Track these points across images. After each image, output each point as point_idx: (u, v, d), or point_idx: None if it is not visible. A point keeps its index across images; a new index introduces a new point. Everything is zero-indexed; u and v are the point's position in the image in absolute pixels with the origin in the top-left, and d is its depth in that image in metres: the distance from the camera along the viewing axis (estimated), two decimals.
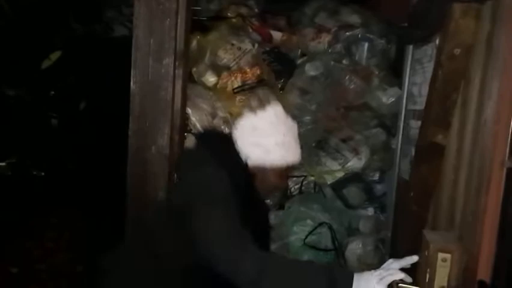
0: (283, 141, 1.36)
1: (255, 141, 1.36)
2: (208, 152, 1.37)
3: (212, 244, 1.19)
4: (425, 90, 1.64)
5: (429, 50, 1.63)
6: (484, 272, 1.02)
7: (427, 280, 1.09)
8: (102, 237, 2.02)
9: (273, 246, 2.31)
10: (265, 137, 1.35)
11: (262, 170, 1.37)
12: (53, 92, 2.88)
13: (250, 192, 1.39)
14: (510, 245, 0.99)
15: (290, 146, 1.38)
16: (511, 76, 1.01)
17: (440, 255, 1.07)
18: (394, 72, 2.53)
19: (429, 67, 1.60)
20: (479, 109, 1.12)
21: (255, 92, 2.41)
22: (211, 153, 1.36)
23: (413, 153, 1.76)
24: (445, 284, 1.07)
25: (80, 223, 2.56)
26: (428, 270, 1.09)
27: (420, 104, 1.72)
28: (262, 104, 1.41)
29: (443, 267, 1.06)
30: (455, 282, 1.07)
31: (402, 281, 1.07)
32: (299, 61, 2.68)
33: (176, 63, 1.86)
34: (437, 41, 1.46)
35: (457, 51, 1.22)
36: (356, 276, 1.12)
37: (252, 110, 1.43)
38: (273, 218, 2.41)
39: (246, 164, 1.37)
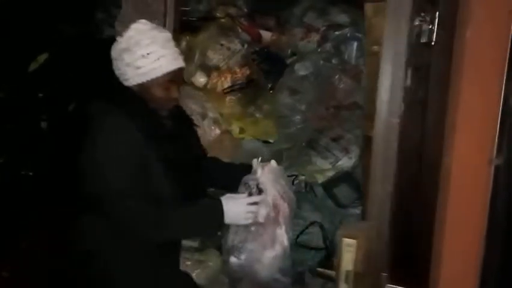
0: (148, 52, 1.42)
1: (125, 62, 1.44)
2: (107, 107, 1.47)
3: (110, 203, 1.41)
4: None
5: None
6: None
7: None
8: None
9: None
10: (131, 54, 1.43)
11: (145, 88, 1.46)
12: (41, 94, 2.86)
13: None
14: (501, 243, 1.00)
15: (159, 54, 1.43)
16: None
17: (345, 240, 1.22)
18: None
19: None
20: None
21: (245, 92, 2.41)
22: (109, 107, 1.46)
23: None
24: (350, 268, 1.19)
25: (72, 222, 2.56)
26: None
27: None
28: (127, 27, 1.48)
29: (348, 252, 1.20)
30: (360, 266, 1.17)
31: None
32: (289, 61, 2.68)
33: None
34: None
35: (375, 48, 1.26)
36: (224, 200, 1.46)
37: (118, 33, 1.51)
38: None
39: (133, 91, 1.47)
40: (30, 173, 2.79)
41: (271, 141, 2.51)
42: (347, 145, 2.50)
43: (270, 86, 2.58)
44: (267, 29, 2.71)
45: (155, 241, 1.49)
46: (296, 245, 2.26)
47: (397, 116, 1.29)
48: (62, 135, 2.74)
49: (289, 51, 2.72)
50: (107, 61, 1.50)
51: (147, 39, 1.44)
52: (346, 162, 2.49)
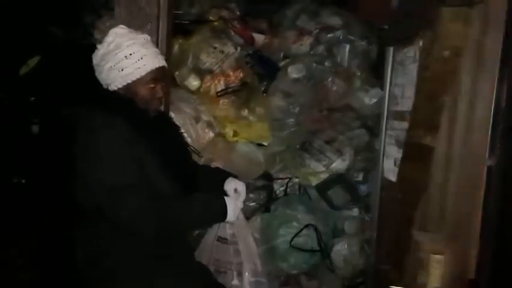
0: (130, 52, 1.46)
1: (108, 66, 1.48)
2: (95, 108, 1.49)
3: (98, 195, 1.41)
4: (408, 91, 1.66)
5: (412, 51, 1.65)
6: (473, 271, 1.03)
7: (419, 282, 1.09)
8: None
9: (261, 249, 2.31)
10: (114, 57, 1.47)
11: (130, 89, 1.49)
12: (33, 98, 2.83)
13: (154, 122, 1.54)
14: (494, 243, 1.00)
15: (141, 54, 1.48)
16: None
17: (433, 257, 1.07)
18: (375, 74, 2.55)
19: (412, 69, 1.61)
20: (469, 111, 1.13)
21: (238, 95, 2.41)
22: (100, 107, 1.48)
23: (397, 154, 1.78)
24: (438, 285, 1.07)
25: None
26: (420, 272, 1.09)
27: (402, 105, 1.74)
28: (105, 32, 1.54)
29: (436, 268, 1.07)
30: (448, 283, 1.08)
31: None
32: (282, 64, 2.68)
33: None
34: (421, 43, 1.49)
35: (446, 53, 1.25)
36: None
37: (98, 41, 1.56)
38: (259, 220, 2.41)
39: (119, 94, 1.50)
40: (23, 181, 2.75)
41: (265, 144, 2.51)
42: (340, 147, 2.51)
43: (263, 89, 2.58)
44: (260, 32, 2.70)
45: (161, 234, 1.48)
46: (291, 248, 2.26)
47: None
48: (54, 139, 2.72)
49: (281, 54, 2.72)
50: None
51: (128, 40, 1.48)
52: (339, 164, 2.50)
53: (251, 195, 2.41)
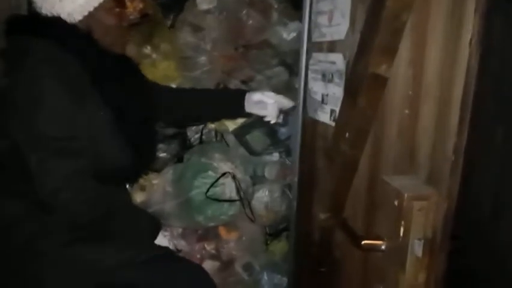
0: None
1: None
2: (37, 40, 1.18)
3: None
4: (338, 17, 1.46)
5: None
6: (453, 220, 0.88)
7: (401, 233, 0.93)
8: None
9: (174, 203, 2.10)
10: None
11: (91, 18, 1.23)
12: None
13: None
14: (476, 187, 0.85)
15: None
16: None
17: (417, 203, 0.91)
18: (294, 5, 2.32)
19: None
20: (450, 28, 0.92)
21: (138, 30, 2.06)
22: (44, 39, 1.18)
23: (324, 89, 1.60)
24: (421, 235, 0.92)
25: None
26: (403, 222, 0.93)
27: (331, 35, 1.54)
28: None
29: (419, 216, 0.90)
30: (431, 232, 0.93)
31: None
32: None
33: None
34: None
35: None
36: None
37: None
38: (172, 172, 2.18)
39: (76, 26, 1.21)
40: None
41: (173, 85, 2.22)
42: (258, 87, 2.30)
43: (169, 23, 2.25)
44: None
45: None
46: (207, 199, 2.07)
47: None
48: None
49: None
50: None
51: None
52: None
53: (161, 145, 2.16)
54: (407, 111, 1.06)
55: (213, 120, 2.12)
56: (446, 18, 0.92)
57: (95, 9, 1.22)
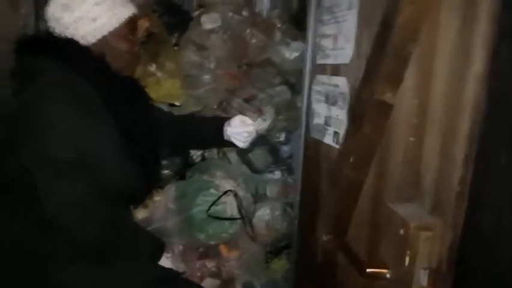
0: None
1: (75, 17, 1.21)
2: (54, 58, 1.20)
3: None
4: (342, 41, 1.48)
5: None
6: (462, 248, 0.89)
7: (407, 263, 0.93)
8: None
9: (176, 220, 2.10)
10: (81, 5, 1.21)
11: (104, 42, 1.24)
12: None
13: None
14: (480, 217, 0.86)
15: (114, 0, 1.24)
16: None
17: (423, 233, 0.91)
18: (297, 25, 2.35)
19: (348, 15, 1.42)
20: (456, 60, 0.93)
21: (144, 48, 2.09)
22: (57, 59, 1.20)
23: (327, 112, 1.61)
24: (427, 265, 0.92)
25: None
26: (408, 252, 0.93)
27: (336, 58, 1.56)
28: None
29: (425, 246, 0.90)
30: (436, 262, 0.93)
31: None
32: (195, 13, 2.39)
33: None
34: None
35: None
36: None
37: None
38: (174, 189, 2.18)
39: (91, 51, 1.23)
40: None
41: (177, 104, 2.24)
42: (261, 106, 2.32)
43: (174, 41, 2.28)
44: None
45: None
46: (208, 217, 2.07)
47: None
48: None
49: (195, 2, 2.42)
50: None
51: None
52: (260, 124, 2.31)
53: (164, 162, 2.17)
54: (412, 139, 1.07)
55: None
56: (454, 50, 0.94)
57: (110, 33, 1.24)
